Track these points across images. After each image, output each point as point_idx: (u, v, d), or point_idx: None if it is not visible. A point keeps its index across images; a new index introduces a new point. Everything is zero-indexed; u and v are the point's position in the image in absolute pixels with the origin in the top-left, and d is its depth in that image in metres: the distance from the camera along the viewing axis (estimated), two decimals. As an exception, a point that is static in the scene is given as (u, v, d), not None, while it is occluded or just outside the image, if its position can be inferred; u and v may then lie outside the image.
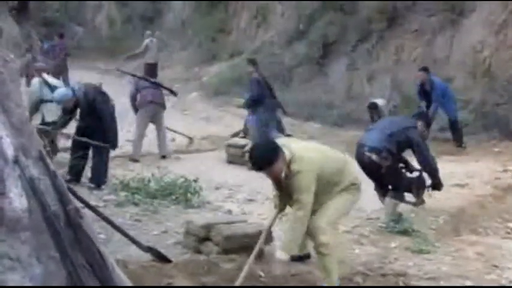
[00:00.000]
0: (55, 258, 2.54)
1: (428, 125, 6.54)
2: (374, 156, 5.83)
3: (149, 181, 6.61)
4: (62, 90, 7.24)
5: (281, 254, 4.00)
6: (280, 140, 4.25)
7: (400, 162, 6.14)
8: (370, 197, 6.29)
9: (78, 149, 7.03)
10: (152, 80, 9.64)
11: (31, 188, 2.50)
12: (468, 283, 4.48)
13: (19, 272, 2.42)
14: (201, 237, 4.69)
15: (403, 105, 11.79)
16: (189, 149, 9.93)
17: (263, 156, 3.89)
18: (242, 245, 4.53)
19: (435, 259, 5.02)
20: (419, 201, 6.23)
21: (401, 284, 4.31)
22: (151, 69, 15.68)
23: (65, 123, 7.45)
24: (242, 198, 6.94)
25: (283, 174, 3.94)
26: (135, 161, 8.53)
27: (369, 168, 5.93)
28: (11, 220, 2.44)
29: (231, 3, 17.70)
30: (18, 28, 22.27)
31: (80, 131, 7.15)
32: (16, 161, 2.50)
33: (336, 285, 4.10)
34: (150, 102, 8.93)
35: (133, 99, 9.11)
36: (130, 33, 20.50)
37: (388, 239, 5.53)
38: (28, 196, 2.49)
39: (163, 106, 9.28)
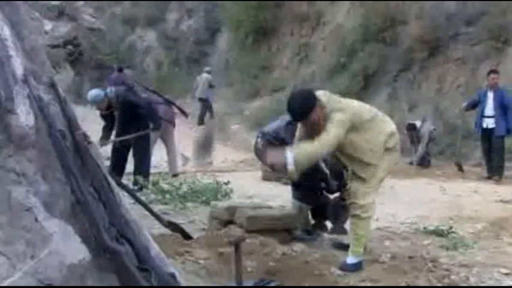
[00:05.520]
0: (61, 180, 2.54)
1: None
2: (260, 143, 4.71)
3: (181, 184, 6.62)
4: (93, 91, 7.42)
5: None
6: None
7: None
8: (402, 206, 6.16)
9: (119, 154, 7.20)
10: (165, 96, 9.70)
11: (39, 107, 2.53)
12: (504, 271, 4.23)
13: (24, 186, 2.42)
14: (224, 221, 4.62)
15: (445, 133, 11.57)
16: (225, 169, 9.94)
17: (300, 107, 3.85)
18: (266, 226, 4.44)
19: (470, 253, 4.78)
20: (338, 230, 4.81)
21: (429, 265, 4.09)
22: (202, 105, 16.13)
23: (109, 131, 7.54)
24: (274, 205, 6.82)
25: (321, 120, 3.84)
26: None
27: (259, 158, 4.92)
28: (17, 136, 2.47)
29: (274, 42, 17.98)
30: (73, 73, 23.35)
31: (118, 136, 7.36)
32: (25, 80, 2.54)
33: (360, 257, 3.96)
34: (159, 118, 9.00)
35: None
36: (177, 75, 21.01)
37: (421, 237, 5.32)
38: (36, 115, 2.53)
39: (172, 123, 9.34)
